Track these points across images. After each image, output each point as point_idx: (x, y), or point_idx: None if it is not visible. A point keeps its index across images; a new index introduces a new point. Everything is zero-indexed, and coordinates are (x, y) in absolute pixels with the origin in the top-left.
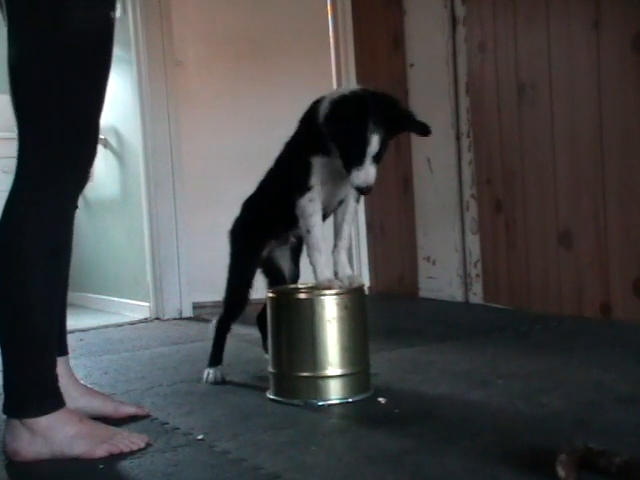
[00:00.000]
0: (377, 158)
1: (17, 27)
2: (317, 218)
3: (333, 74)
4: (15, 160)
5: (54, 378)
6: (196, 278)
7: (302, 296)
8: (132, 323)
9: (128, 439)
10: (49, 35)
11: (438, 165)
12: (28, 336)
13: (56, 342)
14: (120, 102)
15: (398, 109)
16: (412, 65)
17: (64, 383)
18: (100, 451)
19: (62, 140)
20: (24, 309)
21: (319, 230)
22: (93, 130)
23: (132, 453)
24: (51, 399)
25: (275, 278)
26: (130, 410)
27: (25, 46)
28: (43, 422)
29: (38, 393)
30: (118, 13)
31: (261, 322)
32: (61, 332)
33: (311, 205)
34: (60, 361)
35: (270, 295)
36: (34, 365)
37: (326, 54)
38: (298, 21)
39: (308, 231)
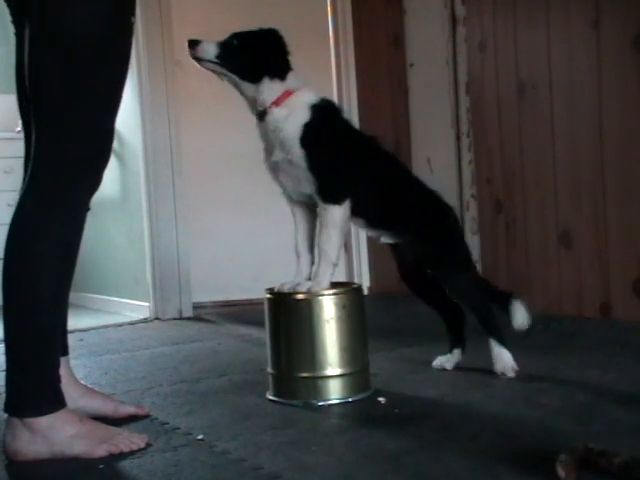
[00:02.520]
0: (223, 54)
1: (33, 29)
2: (295, 221)
3: (333, 74)
4: (15, 160)
5: (57, 378)
6: (196, 278)
7: (300, 297)
8: (132, 323)
9: (128, 439)
10: (67, 38)
11: (438, 165)
12: (34, 335)
13: (60, 342)
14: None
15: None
16: (412, 65)
17: (64, 383)
18: (100, 451)
19: (76, 142)
20: (31, 309)
21: (297, 233)
22: (108, 132)
23: (132, 453)
24: (52, 399)
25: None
26: (130, 410)
27: (41, 48)
28: (43, 422)
29: (40, 393)
30: None
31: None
32: (62, 332)
33: (289, 207)
34: (61, 361)
35: (268, 296)
36: (38, 365)
37: (326, 54)
38: (298, 21)
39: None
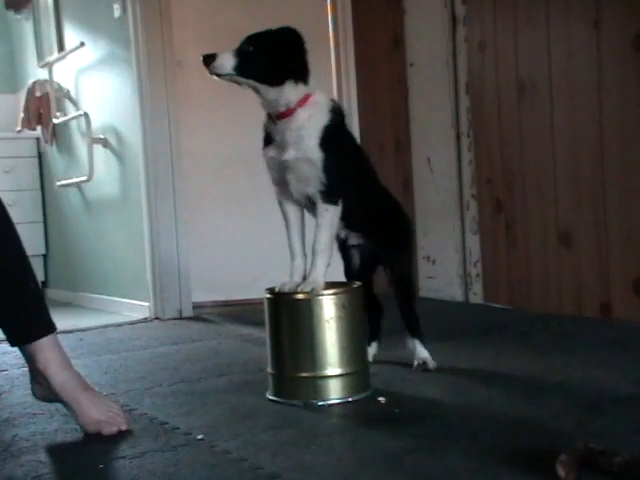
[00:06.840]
0: (241, 63)
1: None
2: (288, 222)
3: (333, 74)
4: (15, 160)
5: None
6: (196, 278)
7: (300, 296)
8: (132, 323)
9: (115, 421)
10: None
11: (438, 165)
12: None
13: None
14: (120, 102)
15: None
16: (412, 65)
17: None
18: (91, 428)
19: None
20: None
21: (292, 234)
22: None
23: (131, 454)
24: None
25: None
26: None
27: None
28: (41, 360)
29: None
30: (118, 13)
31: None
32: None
33: (281, 208)
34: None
35: (268, 296)
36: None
37: (326, 54)
38: (298, 21)
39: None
